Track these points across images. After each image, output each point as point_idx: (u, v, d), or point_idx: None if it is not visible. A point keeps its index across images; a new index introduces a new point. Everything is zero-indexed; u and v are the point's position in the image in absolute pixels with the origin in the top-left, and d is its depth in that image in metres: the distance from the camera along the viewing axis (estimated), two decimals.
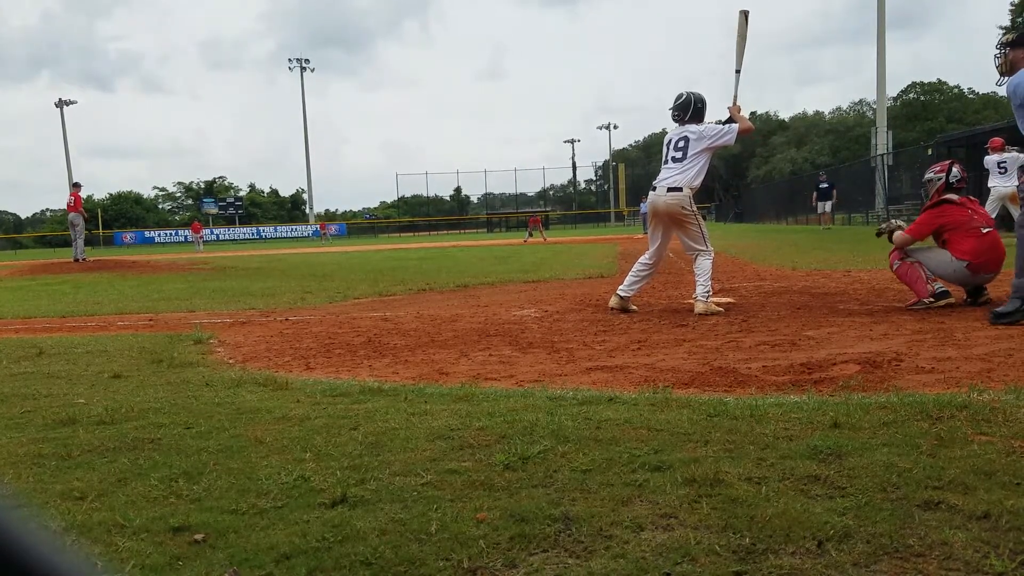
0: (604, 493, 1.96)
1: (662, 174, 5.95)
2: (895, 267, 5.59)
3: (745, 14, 6.05)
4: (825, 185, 25.85)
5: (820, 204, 25.92)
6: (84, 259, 17.14)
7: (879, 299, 5.96)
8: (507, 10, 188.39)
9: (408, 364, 4.10)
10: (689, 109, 5.92)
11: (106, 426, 2.85)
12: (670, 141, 5.99)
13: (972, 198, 5.74)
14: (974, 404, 2.59)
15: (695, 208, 5.91)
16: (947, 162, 5.79)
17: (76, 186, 18.23)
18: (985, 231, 5.40)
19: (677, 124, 6.01)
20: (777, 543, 1.63)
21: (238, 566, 1.64)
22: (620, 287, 6.02)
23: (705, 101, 5.98)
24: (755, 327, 4.83)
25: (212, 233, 58.36)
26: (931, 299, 5.30)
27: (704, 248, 5.85)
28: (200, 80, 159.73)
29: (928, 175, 5.75)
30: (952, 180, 5.58)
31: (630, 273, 6.06)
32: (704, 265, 5.79)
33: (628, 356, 4.06)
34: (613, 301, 5.97)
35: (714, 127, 5.90)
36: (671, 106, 6.03)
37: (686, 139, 5.86)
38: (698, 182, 5.85)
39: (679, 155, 5.87)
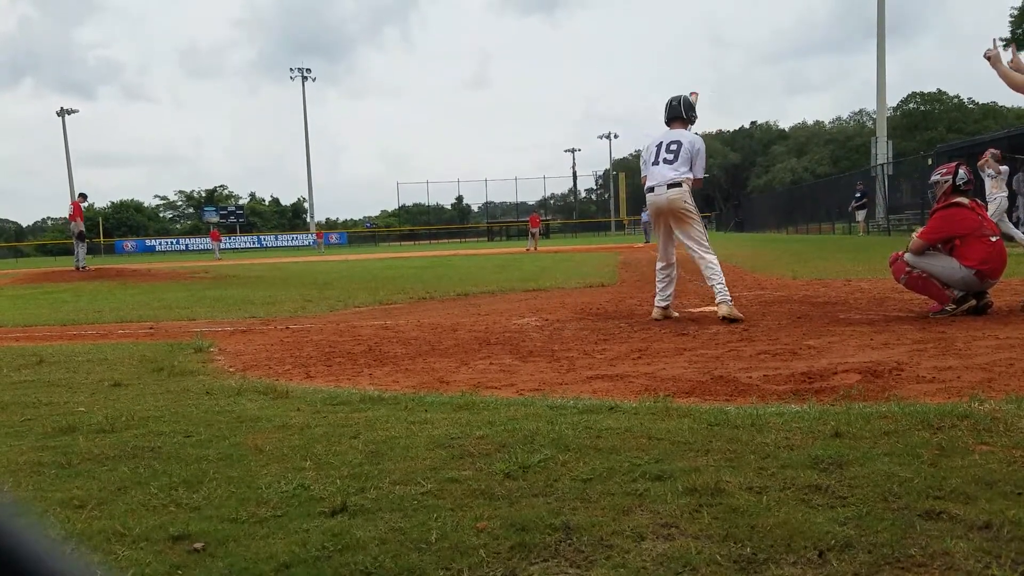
0: (605, 502, 1.96)
1: (656, 174, 5.92)
2: (903, 280, 5.49)
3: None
4: (859, 194, 26.38)
5: (859, 212, 26.38)
6: (84, 267, 17.31)
7: (880, 308, 5.95)
8: (501, 19, 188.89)
9: (408, 372, 4.10)
10: (677, 112, 6.03)
11: (106, 434, 2.85)
12: (661, 143, 5.98)
13: (979, 202, 5.68)
14: (975, 414, 2.58)
15: (695, 204, 5.93)
16: (954, 164, 5.70)
17: (81, 196, 18.85)
18: (994, 239, 5.34)
19: (667, 128, 6.09)
20: (778, 553, 1.63)
21: (238, 575, 1.63)
22: (656, 299, 6.04)
23: (692, 106, 6.09)
24: (756, 336, 4.82)
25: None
26: (953, 305, 5.23)
27: (707, 250, 5.84)
28: (181, 88, 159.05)
29: (935, 177, 5.67)
30: (959, 182, 5.51)
31: (656, 284, 6.07)
32: (713, 265, 5.76)
33: (629, 365, 4.05)
34: (655, 312, 5.99)
35: (702, 151, 5.95)
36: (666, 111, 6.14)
37: (679, 143, 5.89)
38: (692, 176, 5.86)
39: (671, 157, 5.88)
